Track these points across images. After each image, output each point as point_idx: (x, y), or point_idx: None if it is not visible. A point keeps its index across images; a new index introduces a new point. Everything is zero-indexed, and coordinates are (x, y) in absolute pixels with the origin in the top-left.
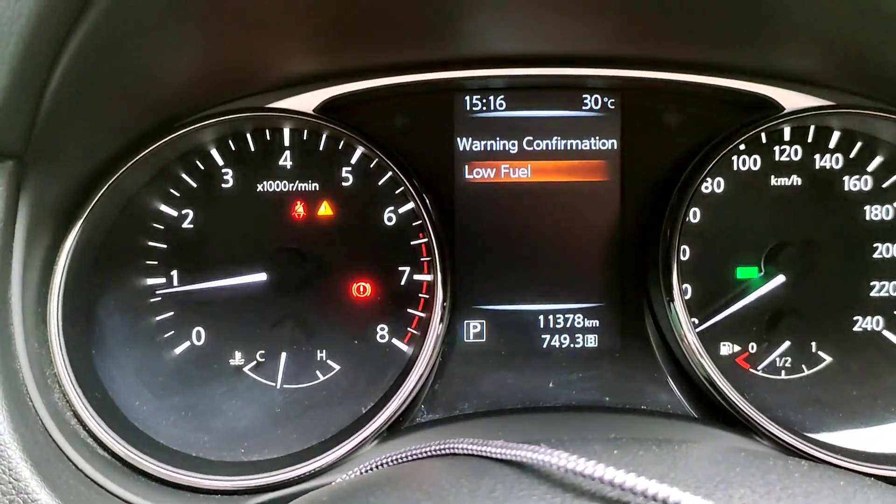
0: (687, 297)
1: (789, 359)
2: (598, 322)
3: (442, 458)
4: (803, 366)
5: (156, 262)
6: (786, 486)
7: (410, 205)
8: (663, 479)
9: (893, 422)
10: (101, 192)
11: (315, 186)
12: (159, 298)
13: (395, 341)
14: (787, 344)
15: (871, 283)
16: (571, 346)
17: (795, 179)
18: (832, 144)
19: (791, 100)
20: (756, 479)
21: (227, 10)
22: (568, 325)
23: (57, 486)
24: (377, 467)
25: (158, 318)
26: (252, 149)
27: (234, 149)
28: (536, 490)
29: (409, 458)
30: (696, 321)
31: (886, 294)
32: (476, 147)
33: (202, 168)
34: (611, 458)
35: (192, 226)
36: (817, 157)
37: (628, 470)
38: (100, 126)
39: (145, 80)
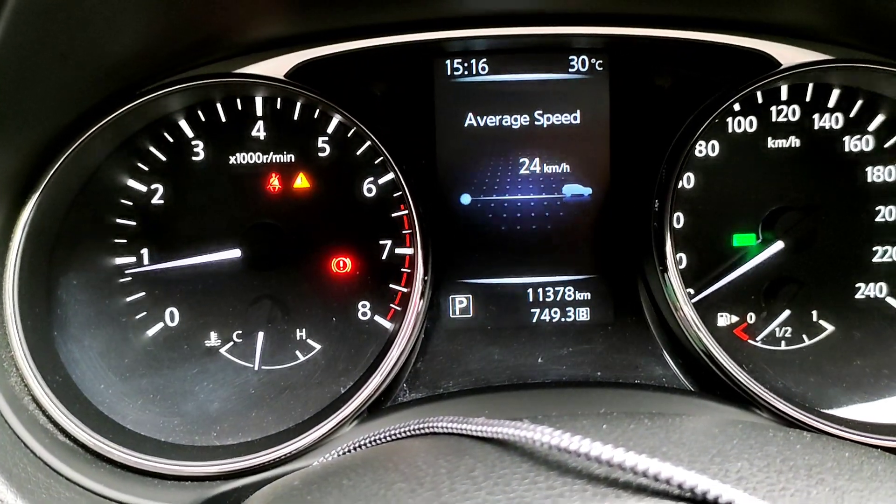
0: (681, 266)
1: (789, 329)
2: (589, 295)
3: (421, 438)
4: (804, 335)
5: (124, 241)
6: (786, 459)
7: (390, 175)
8: (655, 454)
9: None
10: (60, 162)
11: (290, 158)
12: (129, 278)
13: (377, 318)
14: (786, 313)
15: (874, 248)
16: (562, 320)
17: (793, 141)
18: (832, 103)
19: (789, 55)
20: (754, 452)
21: None
22: (558, 299)
23: (13, 476)
24: (354, 449)
25: (129, 298)
26: (223, 119)
27: (203, 119)
28: (519, 468)
29: (387, 438)
30: (692, 291)
31: (890, 259)
32: (458, 113)
33: (171, 140)
34: (599, 433)
35: (161, 201)
36: (816, 116)
37: (617, 445)
38: (52, 92)
39: (94, 41)
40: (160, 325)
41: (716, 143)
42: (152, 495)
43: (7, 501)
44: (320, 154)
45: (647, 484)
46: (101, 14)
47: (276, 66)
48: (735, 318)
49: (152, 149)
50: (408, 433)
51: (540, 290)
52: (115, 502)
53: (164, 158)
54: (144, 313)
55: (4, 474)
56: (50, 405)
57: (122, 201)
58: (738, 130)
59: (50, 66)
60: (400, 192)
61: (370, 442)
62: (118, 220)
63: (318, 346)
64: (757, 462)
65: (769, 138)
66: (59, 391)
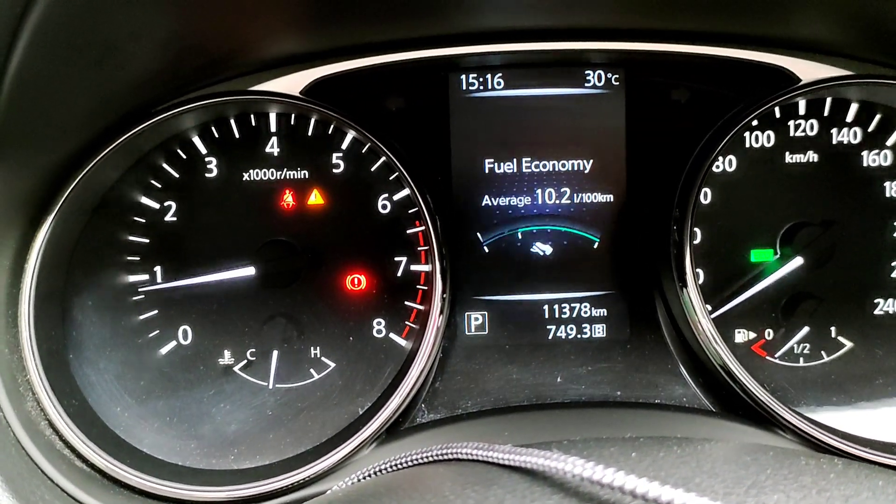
0: (699, 282)
1: (808, 345)
2: (605, 311)
3: (445, 464)
4: (822, 352)
5: (137, 258)
6: (822, 490)
7: (405, 191)
8: (689, 486)
9: None
10: (75, 183)
11: (304, 174)
12: (142, 296)
13: (392, 336)
14: (805, 329)
15: (893, 264)
16: (578, 336)
17: (812, 156)
18: (850, 118)
19: (807, 70)
20: (789, 483)
21: None
22: (574, 315)
23: (32, 503)
24: (375, 474)
25: (142, 317)
26: (236, 135)
27: (217, 136)
28: (549, 500)
29: (410, 463)
30: (710, 308)
31: None
32: (473, 128)
33: (184, 157)
34: (629, 461)
35: (175, 219)
36: (834, 131)
37: (650, 477)
38: (68, 114)
39: (113, 62)
40: (173, 343)
41: (733, 158)
42: None
43: None
44: (334, 170)
45: None
46: (119, 34)
47: (292, 83)
48: (753, 335)
49: (165, 165)
50: (432, 458)
51: (556, 306)
52: None
53: (177, 175)
54: (157, 331)
55: (22, 502)
56: (67, 430)
57: (136, 218)
58: (755, 145)
59: (68, 88)
60: (415, 209)
61: (391, 467)
62: (131, 238)
63: (332, 364)
64: (794, 494)
65: (787, 153)
66: (76, 415)
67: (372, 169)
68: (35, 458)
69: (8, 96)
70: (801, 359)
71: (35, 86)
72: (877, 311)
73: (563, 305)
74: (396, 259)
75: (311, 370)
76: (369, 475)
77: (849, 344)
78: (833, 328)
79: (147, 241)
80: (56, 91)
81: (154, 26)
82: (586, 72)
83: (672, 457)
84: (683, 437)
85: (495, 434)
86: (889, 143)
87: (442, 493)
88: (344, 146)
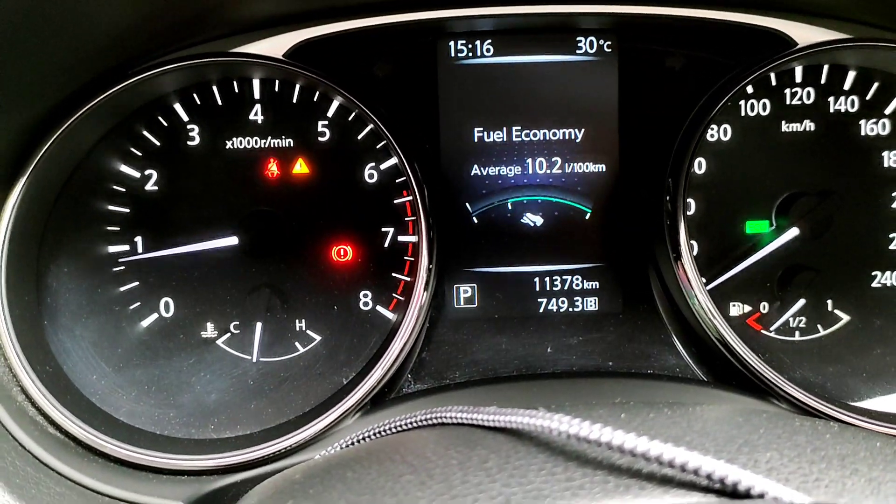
0: (693, 254)
1: (804, 318)
2: (598, 284)
3: (429, 429)
4: (819, 325)
5: (117, 228)
6: (817, 448)
7: (393, 160)
8: (679, 443)
9: None
10: (49, 143)
11: (289, 143)
12: (122, 267)
13: (379, 308)
14: (801, 302)
15: (891, 236)
16: (570, 309)
17: (808, 125)
18: (847, 85)
19: (804, 34)
20: (783, 441)
21: None
22: (566, 288)
23: (2, 469)
24: (359, 441)
25: (122, 288)
26: (219, 102)
27: (199, 102)
28: (536, 459)
29: (393, 429)
30: (704, 280)
31: None
32: (462, 95)
33: (165, 124)
34: (618, 422)
35: (156, 187)
36: (831, 99)
37: (639, 434)
38: (41, 70)
39: (85, 14)
40: (154, 315)
41: (728, 126)
42: (147, 490)
43: None
44: (320, 138)
45: (672, 475)
46: None
47: (275, 46)
48: (748, 308)
49: (146, 133)
50: (415, 424)
51: (547, 278)
52: (108, 497)
53: (158, 143)
54: (138, 303)
55: None
56: (39, 396)
57: (115, 187)
58: (751, 114)
59: (39, 42)
60: (403, 178)
61: (375, 434)
62: (110, 207)
63: (318, 338)
64: (787, 452)
65: (783, 122)
66: (50, 382)
67: (358, 137)
68: (6, 423)
69: None
70: (797, 332)
71: (3, 42)
72: (874, 284)
73: (554, 278)
74: (383, 230)
75: (297, 343)
76: (352, 443)
77: (846, 317)
78: (830, 301)
79: (127, 210)
80: (26, 48)
81: None
82: (578, 38)
83: (662, 418)
84: (674, 402)
85: (483, 403)
86: (887, 111)
87: (425, 455)
88: (329, 114)
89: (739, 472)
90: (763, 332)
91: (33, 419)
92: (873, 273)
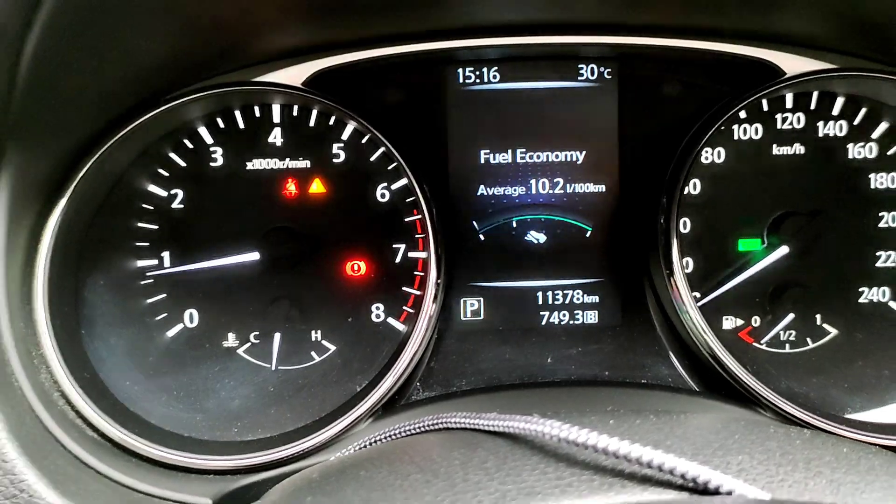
0: (688, 270)
1: (793, 332)
2: (597, 298)
3: (435, 433)
4: (808, 339)
5: (146, 244)
6: (786, 453)
7: (403, 181)
8: (659, 447)
9: None
10: (85, 169)
11: (306, 164)
12: (150, 280)
13: (390, 320)
14: (790, 317)
15: (877, 254)
16: (571, 322)
17: (798, 148)
18: (836, 111)
19: (793, 64)
20: (755, 446)
21: None
22: (567, 301)
23: (45, 467)
24: (371, 444)
25: (150, 300)
26: (241, 126)
27: (222, 126)
28: (530, 460)
29: (402, 433)
30: (698, 295)
31: (893, 264)
32: (469, 120)
33: (190, 146)
34: (606, 427)
35: (182, 206)
36: (820, 124)
37: (623, 438)
38: (80, 101)
39: (122, 53)
40: (180, 325)
41: (722, 149)
42: (176, 487)
43: (39, 492)
44: (335, 160)
45: (651, 475)
46: (130, 24)
47: (294, 75)
48: (740, 322)
49: (173, 155)
50: (422, 429)
51: (549, 293)
52: (141, 494)
53: (183, 164)
54: (165, 314)
55: (36, 466)
56: (79, 401)
57: (144, 206)
58: (743, 137)
59: (80, 78)
60: (413, 198)
61: (386, 437)
62: (140, 224)
63: (333, 347)
64: (757, 455)
65: (774, 145)
66: (88, 388)
67: (371, 159)
68: (49, 426)
69: (23, 85)
70: (787, 345)
71: (47, 75)
72: (861, 300)
73: (556, 292)
74: (395, 246)
75: (312, 352)
76: (365, 446)
77: (833, 331)
78: (818, 316)
79: (155, 227)
80: (68, 80)
81: (163, 19)
82: (579, 66)
83: (647, 424)
84: (663, 410)
85: (486, 410)
86: (874, 135)
87: (430, 456)
88: (344, 137)
89: (710, 472)
90: (755, 344)
91: (73, 422)
92: (860, 289)
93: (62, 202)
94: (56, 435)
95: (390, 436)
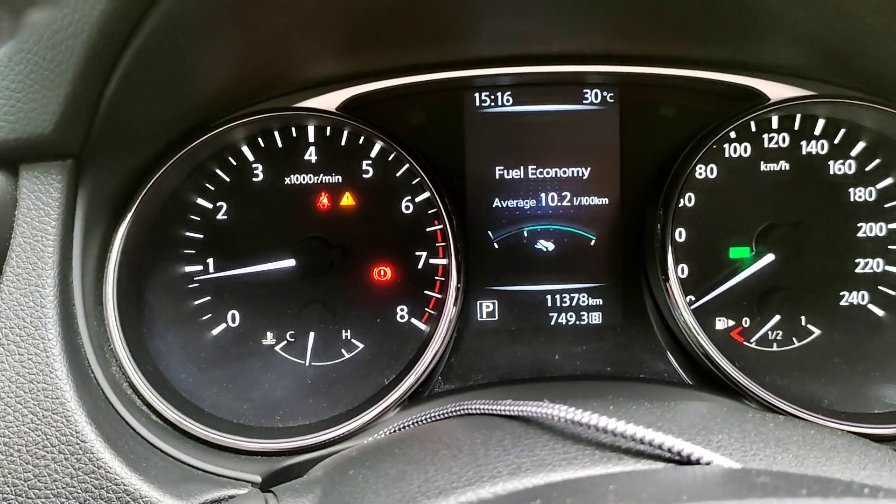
0: (684, 276)
1: (780, 332)
2: (601, 300)
3: (457, 418)
4: (793, 338)
5: (193, 251)
6: (760, 433)
7: (426, 194)
8: (650, 427)
9: (871, 385)
10: (147, 187)
11: (338, 179)
12: (197, 284)
13: (413, 321)
14: (776, 318)
15: (857, 261)
16: (577, 322)
17: (784, 164)
18: (818, 131)
19: (776, 91)
20: (733, 428)
21: (262, 17)
22: (574, 304)
23: (118, 447)
24: (402, 429)
25: (197, 302)
26: (280, 145)
27: (263, 145)
28: (541, 438)
29: (430, 419)
30: (693, 298)
31: (871, 270)
32: (486, 139)
33: (234, 164)
34: (607, 411)
35: (225, 217)
36: (804, 143)
37: (619, 419)
38: (146, 128)
39: (188, 85)
40: (223, 325)
41: (714, 166)
42: (229, 465)
43: (115, 469)
44: (364, 175)
45: (643, 449)
46: (197, 61)
47: (328, 101)
48: (732, 322)
49: (218, 171)
50: (447, 415)
51: (557, 296)
52: (200, 471)
53: (228, 179)
54: (210, 315)
55: (112, 447)
56: (145, 390)
57: (192, 217)
58: (734, 155)
59: (150, 108)
60: (434, 210)
61: (415, 423)
62: (188, 234)
63: (362, 345)
64: (735, 434)
65: (762, 162)
66: (151, 379)
67: (397, 174)
68: (120, 412)
69: (102, 117)
70: (775, 344)
71: (123, 108)
72: (842, 303)
73: (563, 295)
74: (417, 253)
75: (343, 350)
76: (396, 430)
77: (817, 331)
78: (803, 317)
79: (201, 236)
80: (139, 110)
81: (226, 54)
82: (584, 90)
83: (642, 409)
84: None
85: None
86: (853, 153)
87: (455, 436)
88: (373, 154)
89: (692, 446)
90: (745, 343)
91: (140, 408)
92: (841, 293)
93: (128, 216)
94: (126, 419)
95: (419, 421)
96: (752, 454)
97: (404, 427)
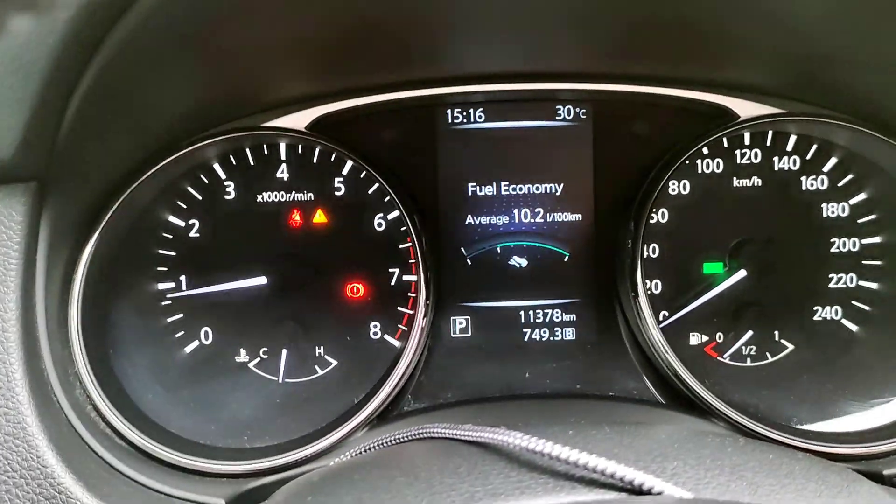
0: (657, 291)
1: (754, 347)
2: (574, 316)
3: (419, 442)
4: (767, 353)
5: (165, 269)
6: (716, 459)
7: (397, 212)
8: (606, 455)
9: (840, 403)
10: (114, 208)
11: (310, 196)
12: (169, 302)
13: (386, 337)
14: (749, 333)
15: (830, 276)
16: (550, 339)
17: (756, 181)
18: (789, 147)
19: (746, 109)
20: (690, 454)
21: (224, 45)
22: (547, 320)
23: (80, 472)
24: (365, 451)
25: (169, 319)
26: (251, 163)
27: (235, 163)
28: (496, 466)
29: (392, 442)
30: (666, 314)
31: (844, 286)
32: (458, 156)
33: (206, 182)
34: (564, 437)
35: (198, 234)
36: (776, 159)
37: (575, 447)
38: (112, 149)
39: (152, 107)
40: (196, 343)
41: (687, 182)
42: (193, 489)
43: (76, 494)
44: (336, 193)
45: (596, 478)
46: (159, 85)
47: (298, 120)
48: (705, 338)
49: (190, 189)
50: (409, 438)
51: (531, 312)
52: (163, 495)
53: (200, 197)
54: (182, 332)
55: (73, 472)
56: (108, 413)
57: (164, 234)
58: (706, 171)
59: (114, 130)
60: (406, 227)
61: (378, 445)
62: (160, 251)
63: (335, 362)
64: (690, 461)
65: (734, 178)
66: (115, 401)
67: (369, 192)
68: (83, 436)
69: (64, 139)
70: (749, 359)
71: (85, 132)
72: (815, 318)
73: (536, 311)
74: (390, 270)
75: (316, 367)
76: (360, 452)
77: (791, 346)
78: (777, 332)
79: (174, 253)
80: (102, 135)
81: (189, 79)
82: (557, 107)
83: (601, 434)
84: (625, 421)
85: (470, 420)
86: (825, 169)
87: (413, 461)
88: (344, 172)
89: (643, 475)
90: (718, 358)
91: (104, 432)
92: (814, 308)
93: (94, 237)
94: (89, 443)
95: (382, 444)
96: (706, 482)
97: (367, 450)
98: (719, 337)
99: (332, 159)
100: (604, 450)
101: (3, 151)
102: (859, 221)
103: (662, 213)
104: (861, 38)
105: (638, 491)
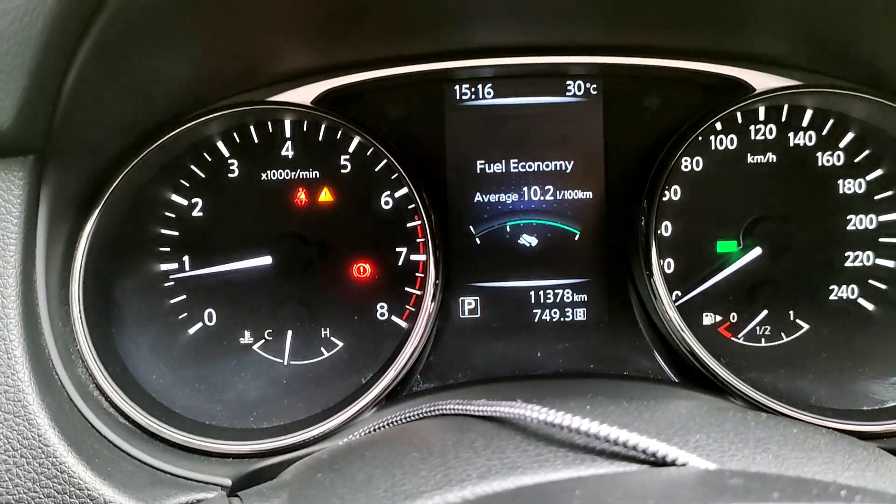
0: (670, 270)
1: (768, 327)
2: (585, 296)
3: (431, 419)
4: (782, 333)
5: (168, 249)
6: (739, 433)
7: (405, 189)
8: (627, 428)
9: (859, 381)
10: (115, 183)
11: (315, 174)
12: (172, 283)
13: (394, 318)
14: (764, 313)
15: (846, 254)
16: (561, 319)
17: (771, 156)
18: (805, 122)
19: (762, 81)
20: (713, 427)
21: (226, 12)
22: (557, 300)
23: (83, 451)
24: (375, 430)
25: (172, 300)
26: (255, 140)
27: (238, 141)
28: (513, 440)
29: (403, 420)
30: (679, 293)
31: (860, 264)
32: (466, 133)
33: (209, 159)
34: (583, 412)
35: (201, 214)
36: (791, 134)
37: (593, 420)
38: (112, 122)
39: (153, 78)
40: (199, 324)
41: (700, 158)
42: (201, 469)
43: (78, 474)
44: (342, 170)
45: (618, 451)
46: (159, 55)
47: (304, 94)
48: (719, 318)
49: (193, 167)
50: (420, 416)
51: (541, 292)
52: (168, 474)
53: (203, 175)
54: (186, 314)
55: (76, 450)
56: (112, 392)
57: (167, 214)
58: (720, 147)
59: (114, 101)
60: (414, 205)
61: (388, 423)
62: (163, 231)
63: (341, 344)
64: (713, 434)
65: (749, 154)
66: (119, 380)
67: (376, 169)
68: (86, 414)
69: (63, 111)
70: (763, 339)
71: (85, 102)
72: (831, 297)
73: (547, 292)
74: (398, 250)
75: (322, 348)
76: (369, 432)
77: (806, 326)
78: (791, 312)
79: (177, 233)
80: (102, 107)
81: (189, 48)
82: (567, 82)
83: (619, 409)
84: (639, 398)
85: (482, 399)
86: (841, 144)
87: (426, 437)
88: (351, 149)
89: (667, 447)
90: (732, 338)
91: (107, 411)
92: (830, 287)
93: (95, 213)
94: (92, 422)
95: (393, 422)
96: (731, 455)
97: (378, 428)
98: (733, 317)
99: (339, 136)
100: (623, 423)
101: (0, 121)
102: (876, 198)
103: (675, 191)
104: (887, 2)
105: (661, 462)
